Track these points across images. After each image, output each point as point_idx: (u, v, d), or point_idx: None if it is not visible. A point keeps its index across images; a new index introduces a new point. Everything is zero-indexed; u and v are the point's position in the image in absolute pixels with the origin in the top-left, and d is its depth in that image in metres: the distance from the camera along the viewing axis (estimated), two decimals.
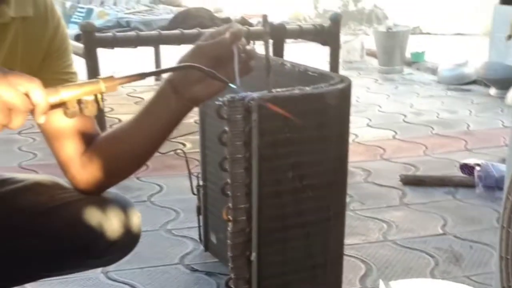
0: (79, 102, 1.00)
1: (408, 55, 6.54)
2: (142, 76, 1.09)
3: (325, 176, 1.17)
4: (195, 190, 2.28)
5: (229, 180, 1.12)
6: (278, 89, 1.08)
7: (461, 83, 5.66)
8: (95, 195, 1.43)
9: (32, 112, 0.97)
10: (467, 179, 3.11)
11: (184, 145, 3.51)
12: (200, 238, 2.37)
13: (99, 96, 1.02)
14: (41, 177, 1.52)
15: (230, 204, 1.14)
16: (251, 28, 3.49)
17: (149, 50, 5.37)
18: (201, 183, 2.24)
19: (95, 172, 1.38)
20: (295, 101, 1.08)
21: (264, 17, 1.13)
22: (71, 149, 1.39)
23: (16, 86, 0.94)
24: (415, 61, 6.55)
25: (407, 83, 5.87)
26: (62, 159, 1.41)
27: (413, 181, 3.14)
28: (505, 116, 4.54)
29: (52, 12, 1.40)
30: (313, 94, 1.10)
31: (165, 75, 1.30)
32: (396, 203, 2.91)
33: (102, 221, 1.40)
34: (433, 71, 6.14)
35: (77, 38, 3.25)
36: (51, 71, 1.37)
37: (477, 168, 3.07)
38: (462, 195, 2.99)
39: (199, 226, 2.35)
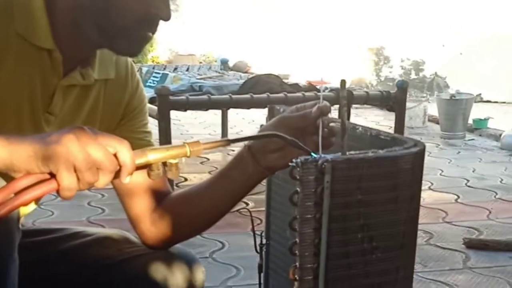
0: (164, 164, 1.02)
1: (470, 121, 6.52)
2: (228, 142, 1.10)
3: (395, 238, 1.17)
4: (258, 248, 2.29)
5: (297, 240, 1.12)
6: (352, 152, 1.09)
7: None
8: (162, 250, 1.44)
9: (117, 172, 0.98)
10: None
11: (247, 203, 3.55)
12: None
13: (183, 159, 1.03)
14: (111, 231, 1.54)
15: (297, 263, 1.14)
16: (318, 94, 3.55)
17: (217, 113, 5.51)
18: (264, 241, 2.25)
19: (165, 230, 1.40)
20: (368, 163, 1.09)
21: (342, 82, 1.15)
22: (143, 206, 1.41)
23: (106, 147, 0.96)
24: (478, 128, 6.52)
25: (469, 149, 5.83)
26: (133, 214, 1.43)
27: (477, 245, 3.10)
28: None
29: (132, 73, 1.45)
30: (387, 157, 1.11)
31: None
32: (459, 266, 2.87)
33: (167, 275, 1.41)
34: (496, 137, 6.10)
35: (152, 101, 3.36)
36: (127, 130, 1.42)
37: None
38: None
39: (259, 284, 2.32)
